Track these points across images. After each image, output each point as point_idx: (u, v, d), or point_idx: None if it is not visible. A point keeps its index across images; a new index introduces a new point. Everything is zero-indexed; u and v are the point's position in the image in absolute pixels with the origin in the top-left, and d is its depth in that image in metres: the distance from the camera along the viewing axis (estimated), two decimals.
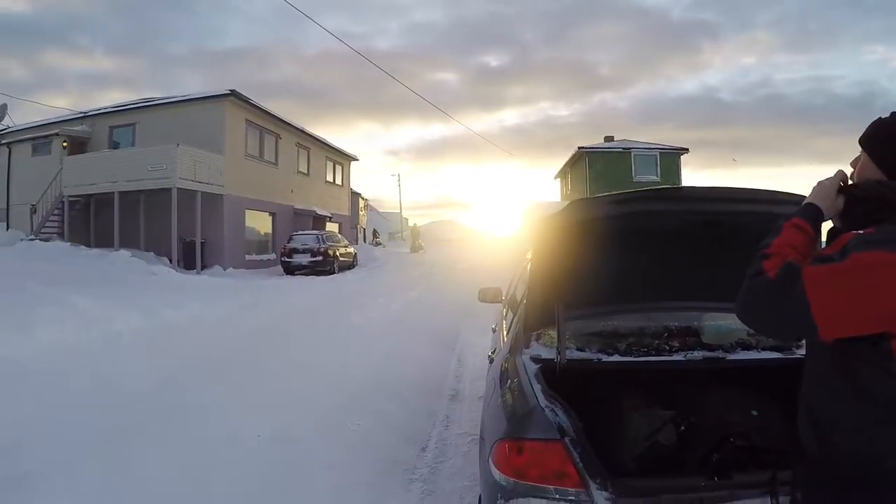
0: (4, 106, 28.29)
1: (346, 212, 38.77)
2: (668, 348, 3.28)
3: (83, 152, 24.96)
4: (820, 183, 1.83)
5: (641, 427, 2.87)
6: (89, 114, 27.05)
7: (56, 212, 23.76)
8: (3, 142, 27.66)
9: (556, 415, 2.46)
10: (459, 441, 5.30)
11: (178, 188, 21.21)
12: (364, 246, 39.88)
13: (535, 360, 3.03)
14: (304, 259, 24.31)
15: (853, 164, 1.84)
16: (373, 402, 6.28)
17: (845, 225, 1.75)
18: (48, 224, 23.49)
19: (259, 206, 27.00)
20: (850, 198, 1.77)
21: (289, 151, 30.14)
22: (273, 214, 28.60)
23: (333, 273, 24.58)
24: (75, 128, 26.26)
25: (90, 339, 9.04)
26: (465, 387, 7.11)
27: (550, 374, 2.86)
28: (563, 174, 46.26)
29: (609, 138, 40.37)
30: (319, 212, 32.17)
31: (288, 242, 25.19)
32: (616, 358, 3.17)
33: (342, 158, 38.37)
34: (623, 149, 37.41)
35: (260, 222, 27.77)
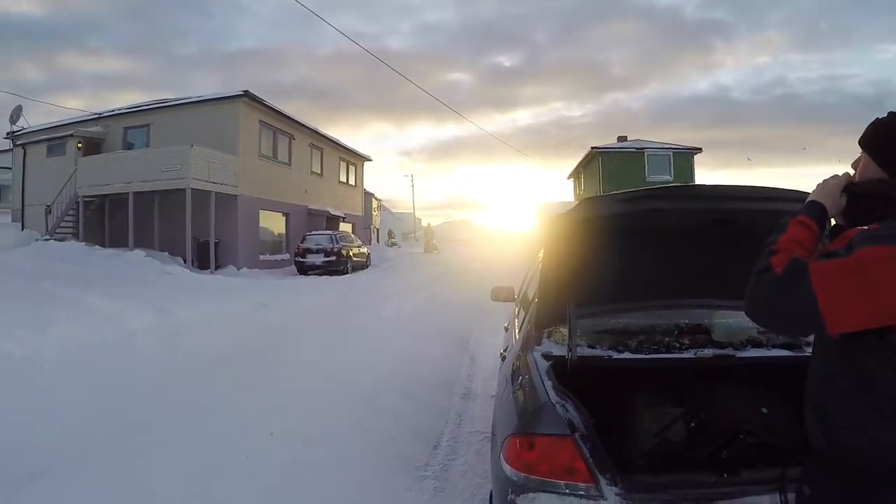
0: (19, 107, 28.48)
1: (359, 212, 38.80)
2: (678, 346, 3.29)
3: (98, 153, 25.06)
4: (824, 181, 1.85)
5: (651, 424, 2.88)
6: (104, 115, 27.19)
7: (71, 212, 23.90)
8: (19, 143, 27.85)
9: (567, 411, 2.48)
10: (471, 439, 5.31)
11: (192, 188, 21.29)
12: (377, 246, 39.85)
13: (547, 356, 3.04)
14: (317, 259, 24.32)
15: (854, 166, 1.86)
16: (385, 400, 6.32)
17: (847, 223, 1.77)
18: (63, 224, 23.64)
19: (273, 206, 27.08)
20: (852, 196, 1.78)
21: (302, 152, 30.21)
22: (287, 215, 28.67)
23: (347, 273, 24.59)
24: (90, 129, 26.40)
25: (105, 337, 9.11)
26: (478, 385, 7.11)
27: (561, 370, 2.88)
28: (576, 174, 46.23)
29: (622, 138, 40.30)
30: (333, 212, 32.22)
31: (301, 242, 25.22)
32: (626, 355, 3.18)
33: (355, 159, 38.42)
34: (636, 149, 37.36)
35: (274, 222, 27.82)
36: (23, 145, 27.50)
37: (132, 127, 26.11)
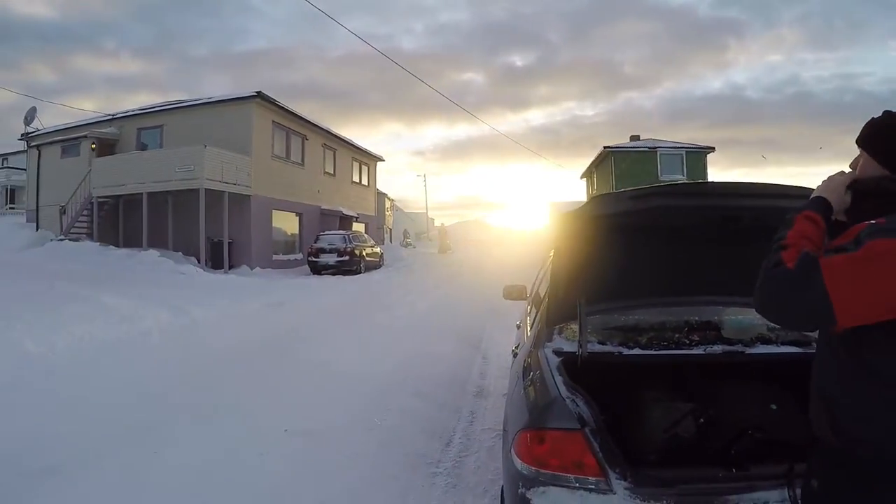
0: (34, 109, 28.69)
1: (372, 212, 38.80)
2: (688, 342, 3.31)
3: (112, 154, 25.22)
4: (829, 178, 1.87)
5: (661, 419, 2.90)
6: (117, 116, 27.35)
7: (85, 212, 24.09)
8: (33, 144, 28.06)
9: (577, 405, 2.50)
10: (483, 436, 5.34)
11: (205, 189, 21.37)
12: (391, 246, 39.85)
13: (558, 352, 3.07)
14: (330, 259, 24.32)
15: (853, 165, 1.88)
16: (398, 398, 6.35)
17: (850, 219, 1.79)
18: (77, 224, 23.84)
19: (286, 206, 27.15)
20: (856, 193, 1.81)
21: (315, 152, 30.28)
22: (300, 214, 28.74)
23: (360, 273, 24.60)
24: (104, 130, 26.55)
25: (120, 336, 9.20)
26: (490, 383, 7.14)
27: (572, 366, 2.90)
28: (588, 174, 46.14)
29: (635, 137, 40.17)
30: (346, 212, 32.27)
31: (315, 242, 25.25)
32: (636, 351, 3.20)
33: (368, 159, 38.45)
34: (649, 148, 37.24)
35: (287, 222, 27.88)
36: (37, 146, 27.70)
37: (146, 128, 26.24)
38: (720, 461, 2.58)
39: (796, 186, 2.71)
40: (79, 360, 7.77)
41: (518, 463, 2.44)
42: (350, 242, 25.07)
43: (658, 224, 3.02)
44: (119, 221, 24.64)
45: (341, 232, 26.67)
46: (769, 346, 3.29)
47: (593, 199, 3.01)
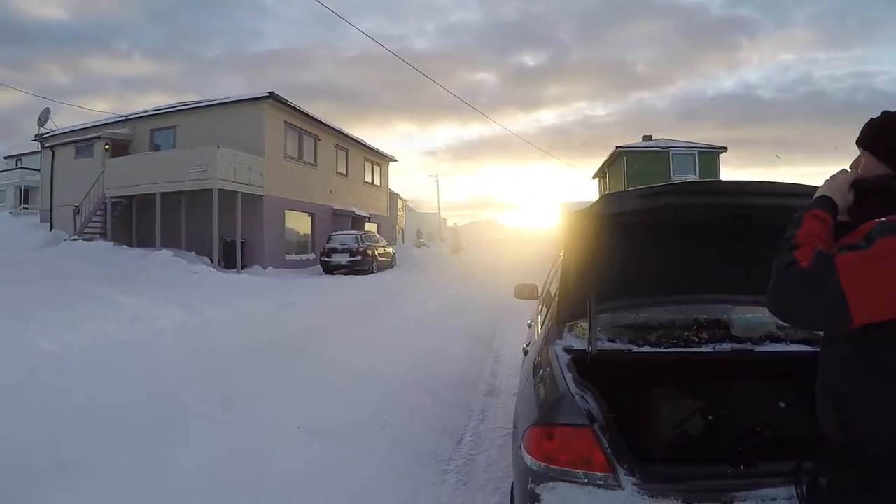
0: (47, 110, 28.91)
1: (384, 212, 38.87)
2: (697, 340, 3.31)
3: (125, 154, 25.35)
4: (833, 176, 1.88)
5: (670, 416, 2.92)
6: (130, 117, 27.50)
7: (99, 212, 24.27)
8: (47, 145, 28.31)
9: (586, 402, 2.51)
10: (494, 435, 5.36)
11: (218, 189, 21.48)
12: (403, 246, 39.86)
13: (568, 350, 3.08)
14: (343, 259, 24.38)
15: (854, 166, 1.90)
16: (410, 396, 6.36)
17: (852, 218, 1.80)
18: (91, 224, 24.05)
19: (298, 206, 27.24)
20: (859, 192, 1.82)
21: (327, 152, 30.36)
22: (312, 215, 28.83)
23: (372, 273, 24.69)
24: (117, 130, 26.70)
25: (134, 335, 9.27)
26: (502, 382, 7.15)
27: (582, 363, 2.92)
28: (601, 173, 46.10)
29: (647, 137, 40.12)
30: (358, 212, 32.31)
31: (327, 242, 25.34)
32: (646, 349, 3.21)
33: (380, 159, 38.51)
34: (661, 148, 37.20)
35: (299, 222, 27.97)
36: (51, 147, 27.98)
37: (159, 128, 26.41)
38: (728, 458, 2.59)
39: (805, 185, 2.71)
40: (92, 359, 7.84)
41: (528, 458, 2.45)
42: (362, 242, 25.16)
43: (667, 222, 3.03)
44: (132, 221, 24.81)
45: (353, 232, 26.76)
46: (778, 344, 3.29)
47: (603, 198, 3.02)
